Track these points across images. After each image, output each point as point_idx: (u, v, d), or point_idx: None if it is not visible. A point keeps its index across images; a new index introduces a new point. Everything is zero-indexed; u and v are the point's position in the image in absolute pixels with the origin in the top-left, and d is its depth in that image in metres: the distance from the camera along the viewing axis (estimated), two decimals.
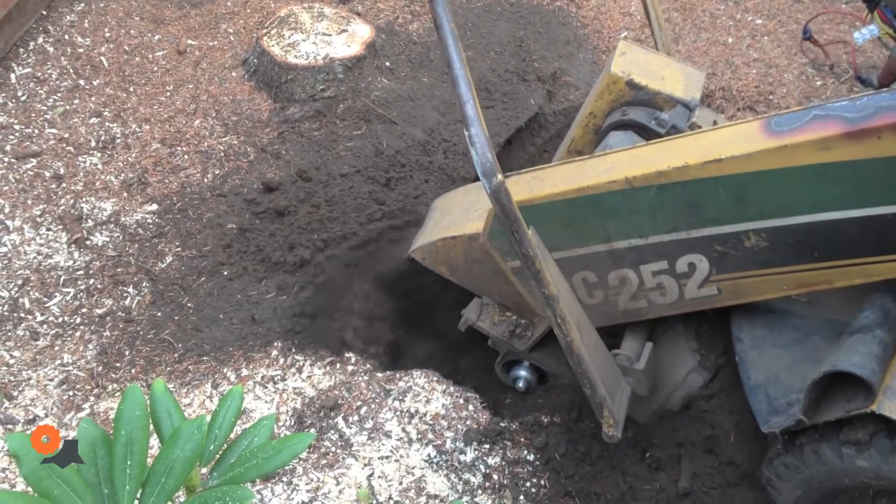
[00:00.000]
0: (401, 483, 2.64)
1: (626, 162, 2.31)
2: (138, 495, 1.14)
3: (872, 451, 2.09)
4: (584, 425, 2.82)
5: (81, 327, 2.97)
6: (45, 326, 2.95)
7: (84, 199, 3.37)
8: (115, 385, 2.79)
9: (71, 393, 2.77)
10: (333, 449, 2.72)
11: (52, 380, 2.81)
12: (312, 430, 2.73)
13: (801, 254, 2.23)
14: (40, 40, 4.02)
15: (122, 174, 3.49)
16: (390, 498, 2.60)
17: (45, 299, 3.03)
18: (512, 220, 1.89)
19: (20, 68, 3.86)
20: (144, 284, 3.09)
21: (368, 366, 3.05)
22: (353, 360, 3.04)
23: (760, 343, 2.51)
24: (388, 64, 3.99)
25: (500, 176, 1.82)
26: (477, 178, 2.09)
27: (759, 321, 2.56)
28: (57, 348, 2.90)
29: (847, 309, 2.44)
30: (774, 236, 2.22)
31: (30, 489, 1.10)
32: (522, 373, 3.01)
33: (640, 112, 2.90)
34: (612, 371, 2.43)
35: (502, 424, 2.83)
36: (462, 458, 2.72)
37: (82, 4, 4.31)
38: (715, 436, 2.69)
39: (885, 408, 2.00)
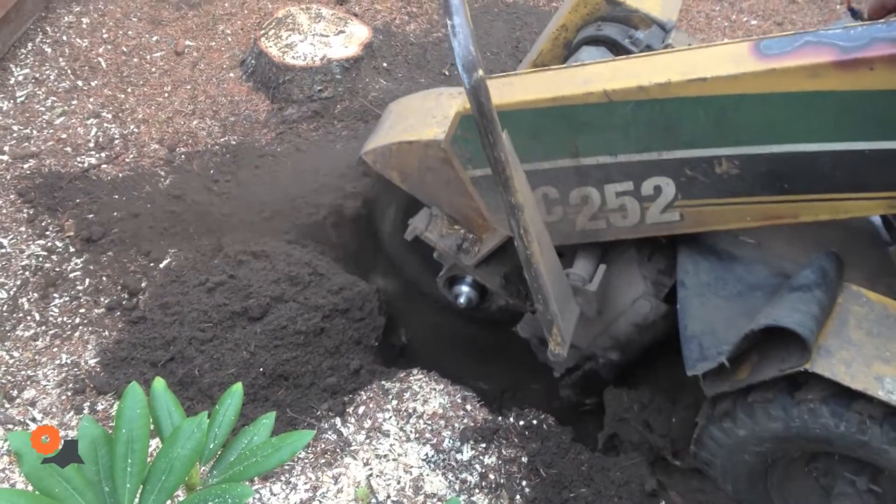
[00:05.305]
0: (399, 482, 2.66)
1: (606, 75, 2.20)
2: (139, 493, 1.15)
3: (824, 409, 2.07)
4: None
5: (80, 327, 2.98)
6: (44, 326, 2.96)
7: None
8: (114, 384, 2.80)
9: (70, 393, 2.78)
10: (332, 448, 2.73)
11: (51, 380, 2.82)
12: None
13: (770, 184, 2.18)
14: (38, 41, 4.03)
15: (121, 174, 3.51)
16: (388, 497, 2.62)
17: (45, 300, 3.04)
18: (488, 119, 1.76)
19: (18, 69, 3.87)
20: (144, 284, 3.11)
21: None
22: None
23: (704, 291, 2.45)
24: (385, 65, 4.01)
25: (480, 72, 1.68)
26: None
27: (704, 266, 2.49)
28: (56, 348, 2.91)
29: (794, 255, 2.42)
30: (747, 164, 2.16)
31: (31, 487, 1.12)
32: (465, 289, 2.97)
33: (615, 28, 2.80)
34: (564, 290, 2.36)
35: (499, 420, 2.84)
36: (459, 456, 2.74)
37: (80, 6, 4.33)
38: None
39: (818, 366, 2.00)
